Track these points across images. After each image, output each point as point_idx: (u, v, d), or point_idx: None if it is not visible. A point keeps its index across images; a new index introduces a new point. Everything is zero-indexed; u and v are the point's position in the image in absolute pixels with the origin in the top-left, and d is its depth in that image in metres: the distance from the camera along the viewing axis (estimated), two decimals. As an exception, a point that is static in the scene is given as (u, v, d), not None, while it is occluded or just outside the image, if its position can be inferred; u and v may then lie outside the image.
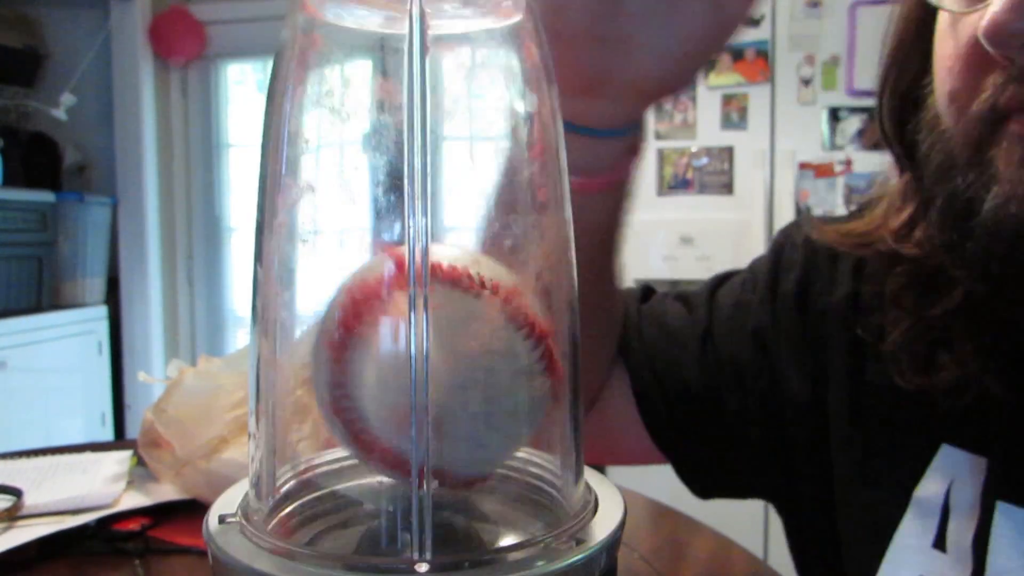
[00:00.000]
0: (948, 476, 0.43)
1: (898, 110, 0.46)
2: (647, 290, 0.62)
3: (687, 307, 0.57)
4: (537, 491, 0.26)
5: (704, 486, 0.59)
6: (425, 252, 0.21)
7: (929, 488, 0.43)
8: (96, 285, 2.69)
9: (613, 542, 0.23)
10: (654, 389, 0.55)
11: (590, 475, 0.26)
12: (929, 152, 0.40)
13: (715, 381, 0.54)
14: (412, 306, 0.21)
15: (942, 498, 0.43)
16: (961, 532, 0.41)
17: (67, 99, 2.57)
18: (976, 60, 0.37)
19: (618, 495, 0.26)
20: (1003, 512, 0.40)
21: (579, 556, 0.21)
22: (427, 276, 0.21)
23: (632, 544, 0.74)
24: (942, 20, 0.41)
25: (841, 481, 0.48)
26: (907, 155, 0.45)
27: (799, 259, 0.53)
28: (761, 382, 0.52)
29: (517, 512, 0.26)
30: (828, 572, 0.50)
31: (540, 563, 0.21)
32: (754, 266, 0.58)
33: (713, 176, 2.06)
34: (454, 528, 0.24)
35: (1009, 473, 0.41)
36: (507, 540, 0.24)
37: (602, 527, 0.23)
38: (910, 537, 0.43)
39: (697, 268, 2.06)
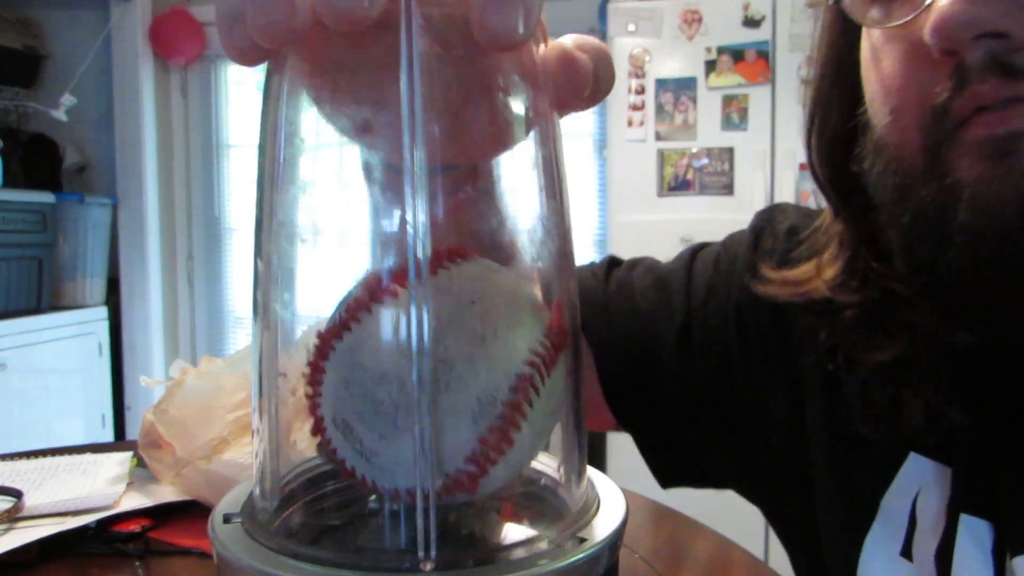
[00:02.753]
0: (915, 485, 0.43)
1: (829, 154, 0.45)
2: (613, 260, 0.60)
3: (662, 289, 0.55)
4: (539, 490, 0.26)
5: (666, 472, 0.58)
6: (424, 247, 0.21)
7: (896, 496, 0.43)
8: (96, 286, 2.69)
9: (615, 541, 0.23)
10: (622, 372, 0.54)
11: (592, 474, 0.27)
12: (883, 175, 0.39)
13: (692, 372, 0.53)
14: (413, 299, 0.21)
15: (909, 507, 0.42)
16: (926, 543, 0.41)
17: (67, 100, 2.57)
18: (920, 70, 0.36)
19: (620, 494, 0.26)
20: (966, 525, 0.40)
21: (582, 555, 0.21)
22: (427, 272, 0.21)
23: (632, 545, 0.74)
24: (868, 46, 0.40)
25: (819, 486, 0.48)
26: (842, 201, 0.45)
27: (779, 250, 0.51)
28: (739, 376, 0.51)
29: (520, 511, 0.26)
30: (813, 563, 0.50)
31: (543, 562, 0.21)
32: (730, 245, 0.56)
33: (714, 177, 2.06)
34: (458, 527, 0.24)
35: (972, 486, 0.40)
36: (510, 539, 0.24)
37: (604, 526, 0.23)
38: (879, 544, 0.43)
39: (697, 269, 2.06)
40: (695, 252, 0.57)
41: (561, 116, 0.26)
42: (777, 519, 0.55)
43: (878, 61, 0.39)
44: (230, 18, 0.22)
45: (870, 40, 0.40)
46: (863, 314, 0.44)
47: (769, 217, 0.55)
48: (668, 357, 0.53)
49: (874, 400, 0.43)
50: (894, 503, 0.43)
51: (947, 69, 0.35)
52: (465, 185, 0.25)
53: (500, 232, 0.26)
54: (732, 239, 0.56)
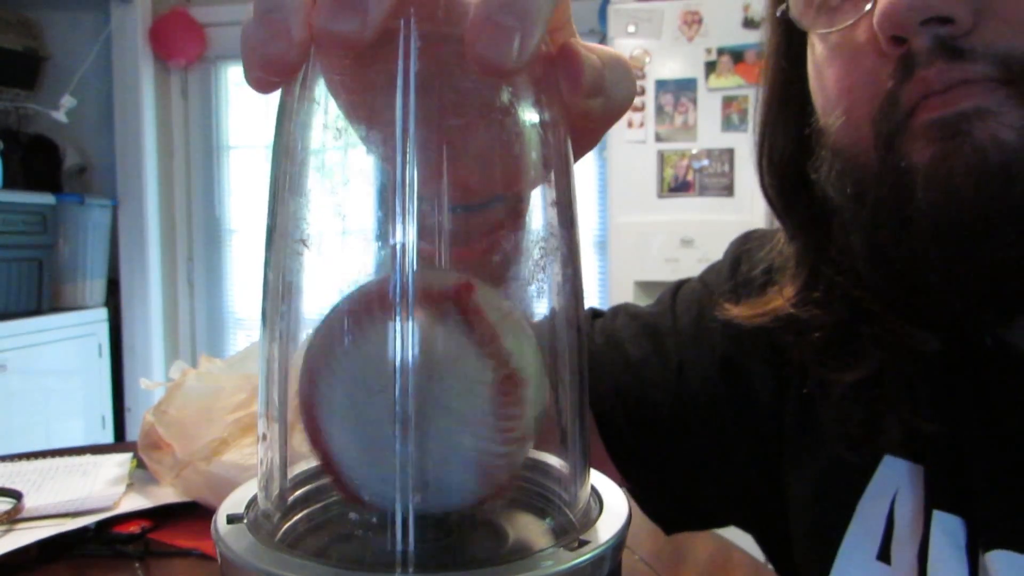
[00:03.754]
0: (892, 487, 0.43)
1: (779, 182, 0.46)
2: (595, 313, 0.60)
3: (652, 336, 0.55)
4: (541, 493, 0.26)
5: (671, 519, 0.57)
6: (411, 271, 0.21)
7: (873, 500, 0.43)
8: (96, 287, 2.69)
9: (618, 543, 0.23)
10: (623, 426, 0.53)
11: (594, 477, 0.26)
12: (841, 177, 0.40)
13: (689, 414, 0.52)
14: (398, 321, 0.21)
15: (886, 509, 0.42)
16: (905, 543, 0.41)
17: (67, 101, 2.57)
18: (866, 68, 0.37)
19: (622, 496, 0.26)
20: (939, 522, 0.40)
21: (585, 557, 0.21)
22: (412, 295, 0.21)
23: (633, 547, 0.74)
24: (813, 63, 0.41)
25: (794, 500, 0.48)
26: (796, 217, 0.46)
27: (759, 281, 0.51)
28: (735, 406, 0.51)
29: (522, 513, 0.25)
30: None
31: (546, 564, 0.21)
32: (709, 281, 0.56)
33: (714, 178, 2.06)
34: (460, 530, 0.24)
35: (944, 483, 0.40)
36: (512, 541, 0.24)
37: (607, 528, 0.23)
38: (854, 550, 0.43)
39: (698, 270, 2.05)
40: (675, 292, 0.57)
41: (581, 142, 0.26)
42: (771, 549, 0.55)
43: (824, 73, 0.40)
44: (245, 50, 0.22)
45: (814, 57, 0.41)
46: (831, 334, 0.44)
47: (745, 245, 0.55)
48: (666, 403, 0.53)
49: (850, 419, 0.43)
50: (871, 506, 0.43)
51: (893, 60, 0.35)
52: (502, 226, 0.25)
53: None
54: (711, 274, 0.56)
